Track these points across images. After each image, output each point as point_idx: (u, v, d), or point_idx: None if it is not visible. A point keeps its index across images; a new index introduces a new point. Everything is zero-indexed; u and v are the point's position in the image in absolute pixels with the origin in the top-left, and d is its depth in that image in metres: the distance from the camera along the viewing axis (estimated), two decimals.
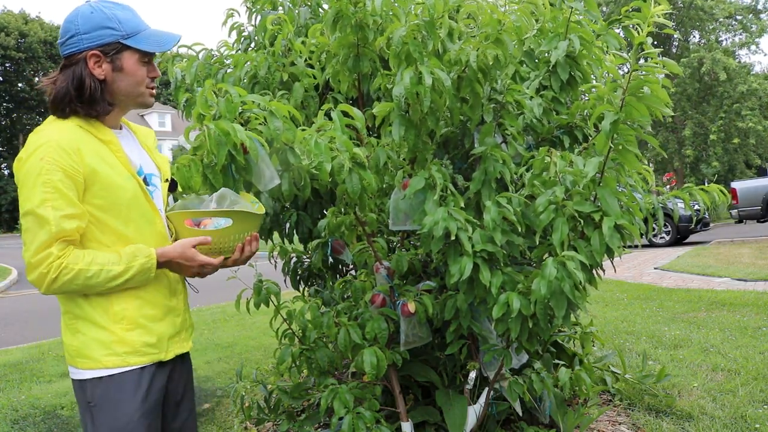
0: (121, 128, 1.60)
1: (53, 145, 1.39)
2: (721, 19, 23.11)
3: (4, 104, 39.27)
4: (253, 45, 3.06)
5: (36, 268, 1.38)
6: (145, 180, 1.56)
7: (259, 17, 2.89)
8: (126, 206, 1.48)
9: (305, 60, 2.57)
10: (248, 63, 2.55)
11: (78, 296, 1.46)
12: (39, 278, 1.38)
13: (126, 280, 1.43)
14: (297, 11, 2.82)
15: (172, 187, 1.68)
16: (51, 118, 1.49)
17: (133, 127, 1.67)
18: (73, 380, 1.53)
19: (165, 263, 1.51)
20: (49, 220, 1.36)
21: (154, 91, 1.59)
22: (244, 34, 3.05)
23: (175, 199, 1.67)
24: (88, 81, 1.46)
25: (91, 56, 1.47)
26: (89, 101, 1.47)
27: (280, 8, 2.87)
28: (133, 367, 1.49)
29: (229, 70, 2.80)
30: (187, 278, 1.72)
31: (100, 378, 1.46)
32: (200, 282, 1.74)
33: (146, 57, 1.54)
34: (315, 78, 2.54)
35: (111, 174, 1.45)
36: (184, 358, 1.68)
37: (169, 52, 2.97)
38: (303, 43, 2.50)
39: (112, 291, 1.45)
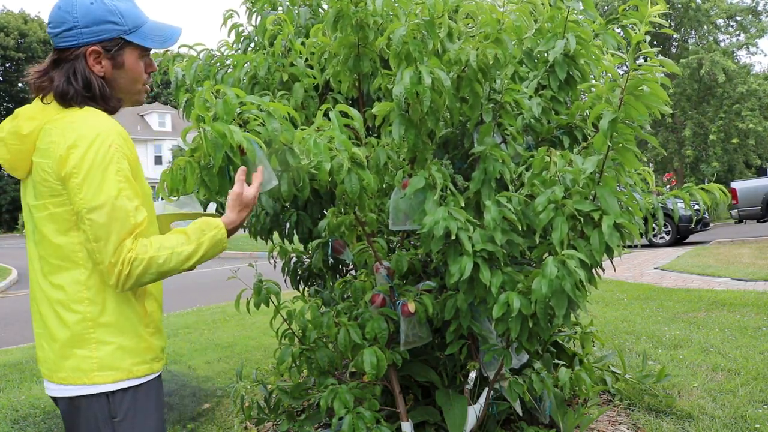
0: None
1: (115, 133, 1.32)
2: (719, 21, 23.14)
3: (4, 104, 39.28)
4: (252, 45, 3.06)
5: (116, 266, 1.28)
6: None
7: (258, 17, 2.89)
8: (150, 202, 1.45)
9: (305, 60, 2.57)
10: (248, 63, 2.55)
11: (109, 299, 1.36)
12: (118, 276, 1.28)
13: (199, 258, 1.37)
14: (296, 11, 2.83)
15: None
16: (82, 108, 1.37)
17: None
18: (72, 398, 1.36)
19: (233, 230, 1.46)
20: (128, 211, 1.29)
21: (148, 87, 1.52)
22: (243, 34, 3.05)
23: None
24: (94, 80, 1.37)
25: (91, 53, 1.37)
26: (102, 98, 1.39)
27: (280, 8, 2.87)
28: (156, 374, 1.44)
29: (229, 71, 2.80)
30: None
31: (126, 389, 1.36)
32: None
33: (145, 52, 1.46)
34: (315, 78, 2.54)
35: (141, 169, 1.42)
36: None
37: (170, 52, 2.97)
38: (303, 43, 2.50)
39: (186, 271, 1.38)
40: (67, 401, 1.37)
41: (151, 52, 1.52)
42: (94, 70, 1.38)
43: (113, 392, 1.35)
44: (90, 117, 1.34)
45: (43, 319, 1.39)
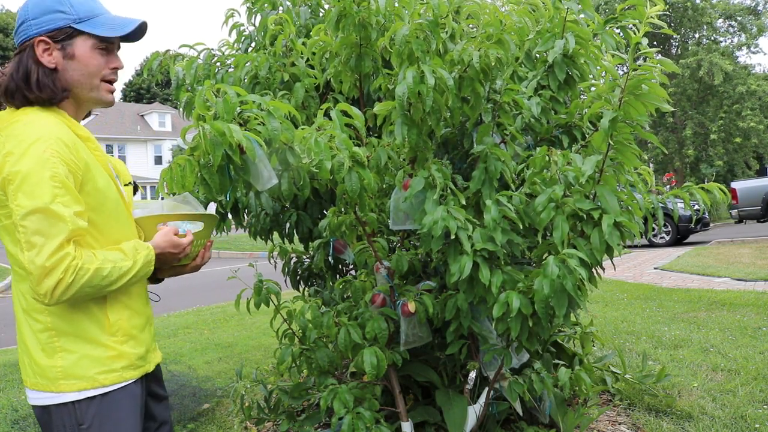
0: None
1: (54, 137, 1.28)
2: (719, 22, 23.19)
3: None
4: (253, 45, 3.06)
5: (52, 273, 1.23)
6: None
7: (259, 17, 2.90)
8: (114, 207, 1.41)
9: (306, 60, 2.57)
10: (249, 63, 2.55)
11: (66, 309, 1.35)
12: (56, 284, 1.23)
13: (134, 275, 1.36)
14: (296, 11, 2.83)
15: (134, 191, 1.64)
16: (26, 110, 1.36)
17: None
18: (42, 407, 1.37)
19: (159, 256, 1.45)
20: (64, 217, 1.24)
21: (112, 86, 1.45)
22: (244, 33, 3.06)
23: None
24: (33, 69, 1.34)
25: (38, 42, 1.35)
26: (37, 87, 1.34)
27: (280, 8, 2.87)
28: (128, 381, 1.42)
29: (230, 70, 2.80)
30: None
31: (92, 398, 1.36)
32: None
33: (103, 44, 1.40)
34: (316, 78, 2.54)
35: (97, 172, 1.38)
36: (158, 366, 1.65)
37: (171, 51, 2.97)
38: (303, 43, 2.50)
39: (120, 290, 1.37)
40: (40, 409, 1.38)
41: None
42: (44, 61, 1.36)
43: (79, 401, 1.35)
44: (32, 122, 1.31)
45: (18, 325, 1.41)
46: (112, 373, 1.38)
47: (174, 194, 1.61)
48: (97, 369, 1.36)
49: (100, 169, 1.40)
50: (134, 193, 1.64)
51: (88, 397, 1.35)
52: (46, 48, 1.37)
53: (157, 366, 1.64)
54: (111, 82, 1.44)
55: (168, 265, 1.52)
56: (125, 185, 1.59)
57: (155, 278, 1.65)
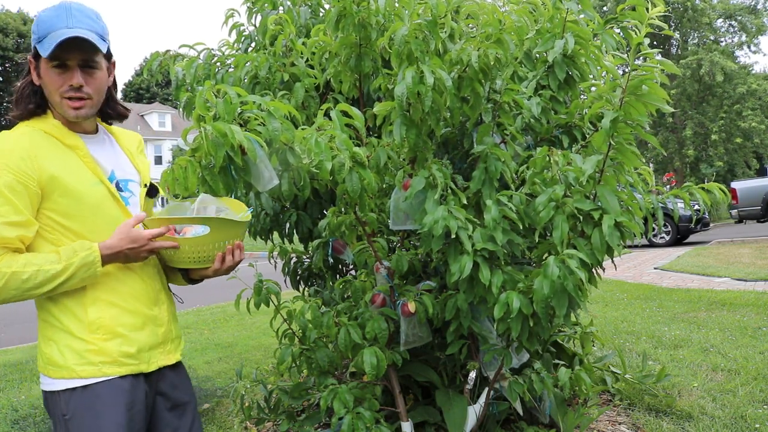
0: (96, 131, 1.55)
1: (7, 151, 1.36)
2: (719, 22, 23.20)
3: (4, 104, 39.30)
4: (253, 45, 3.06)
5: None
6: (118, 185, 1.51)
7: (259, 17, 2.90)
8: (91, 212, 1.43)
9: (306, 60, 2.57)
10: (249, 63, 2.56)
11: (49, 304, 1.43)
12: None
13: (67, 278, 1.36)
14: (296, 11, 2.83)
15: (152, 192, 1.62)
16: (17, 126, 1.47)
17: (114, 131, 1.62)
18: (43, 392, 1.47)
19: (113, 255, 1.41)
20: None
21: (74, 103, 1.43)
22: (244, 34, 3.06)
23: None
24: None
25: (30, 61, 1.46)
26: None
27: (281, 8, 2.88)
28: (111, 377, 1.43)
29: (230, 70, 2.80)
30: (171, 287, 1.67)
31: (74, 389, 1.41)
32: (201, 281, 1.71)
33: (54, 62, 1.40)
34: (316, 78, 2.54)
35: (73, 180, 1.41)
36: (177, 369, 1.63)
37: (171, 51, 2.97)
38: (303, 43, 2.50)
39: (55, 293, 1.38)
40: (44, 394, 1.48)
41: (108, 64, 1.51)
42: (33, 79, 1.46)
43: (64, 391, 1.42)
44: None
45: None
46: (90, 366, 1.42)
47: (177, 196, 1.60)
48: (76, 360, 1.41)
49: (82, 175, 1.43)
50: (153, 195, 1.63)
51: (69, 389, 1.41)
52: (34, 67, 1.46)
53: (176, 368, 1.62)
54: (71, 98, 1.43)
55: (135, 260, 1.48)
56: (143, 187, 1.61)
57: (189, 279, 1.65)
